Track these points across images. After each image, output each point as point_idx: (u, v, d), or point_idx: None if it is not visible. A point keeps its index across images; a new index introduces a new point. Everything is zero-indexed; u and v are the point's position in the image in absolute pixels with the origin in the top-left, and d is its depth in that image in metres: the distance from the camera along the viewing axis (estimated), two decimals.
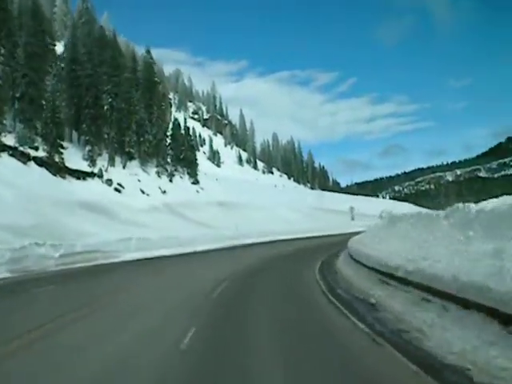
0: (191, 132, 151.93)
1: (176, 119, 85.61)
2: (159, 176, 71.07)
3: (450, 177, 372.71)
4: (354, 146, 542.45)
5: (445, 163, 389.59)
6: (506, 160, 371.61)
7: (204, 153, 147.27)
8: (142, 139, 69.45)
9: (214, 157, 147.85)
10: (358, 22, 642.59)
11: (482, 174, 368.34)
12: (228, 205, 70.93)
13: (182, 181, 76.27)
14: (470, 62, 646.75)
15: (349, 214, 70.31)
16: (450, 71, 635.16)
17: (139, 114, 68.96)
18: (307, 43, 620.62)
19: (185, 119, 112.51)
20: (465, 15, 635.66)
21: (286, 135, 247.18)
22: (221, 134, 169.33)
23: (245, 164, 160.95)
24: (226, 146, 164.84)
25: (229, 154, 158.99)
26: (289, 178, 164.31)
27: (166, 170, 73.68)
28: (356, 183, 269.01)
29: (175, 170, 76.03)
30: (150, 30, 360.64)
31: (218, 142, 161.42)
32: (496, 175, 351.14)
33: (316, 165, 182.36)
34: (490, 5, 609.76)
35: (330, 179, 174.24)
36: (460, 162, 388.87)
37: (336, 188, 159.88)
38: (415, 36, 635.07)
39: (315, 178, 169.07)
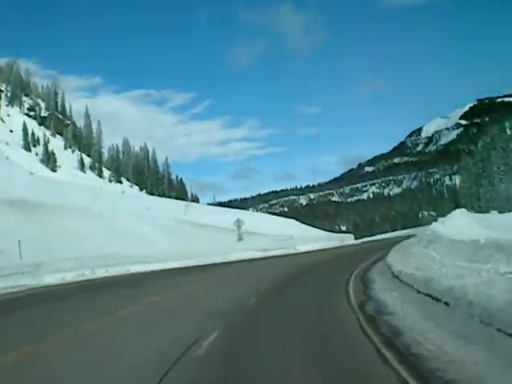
0: (20, 129, 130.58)
1: None
2: None
3: (303, 200, 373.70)
4: (208, 167, 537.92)
5: (298, 187, 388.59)
6: (358, 185, 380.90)
7: (36, 154, 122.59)
8: None
9: (49, 160, 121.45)
10: (213, 43, 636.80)
11: (335, 198, 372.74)
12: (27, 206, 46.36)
13: None
14: (321, 89, 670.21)
15: (235, 231, 48.38)
16: (302, 97, 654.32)
17: None
18: (163, 63, 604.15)
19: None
20: (316, 42, 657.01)
21: None
22: (61, 135, 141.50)
23: (88, 171, 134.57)
24: (65, 148, 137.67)
25: (68, 157, 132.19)
26: (141, 190, 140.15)
27: None
28: (210, 204, 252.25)
29: None
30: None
31: (57, 143, 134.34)
32: (349, 200, 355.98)
33: (173, 177, 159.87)
34: (342, 34, 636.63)
35: (190, 194, 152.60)
36: (314, 186, 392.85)
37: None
38: (268, 60, 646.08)
39: (172, 191, 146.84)
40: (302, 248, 49.33)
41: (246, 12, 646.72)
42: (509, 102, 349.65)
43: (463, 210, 47.75)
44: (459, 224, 31.42)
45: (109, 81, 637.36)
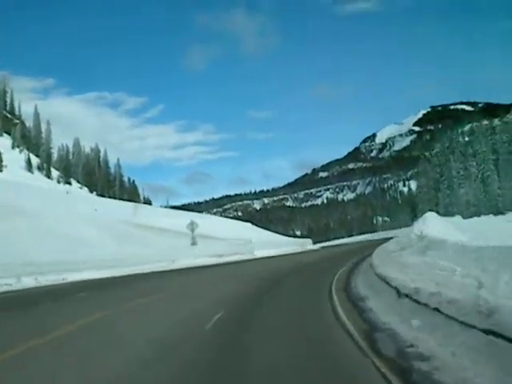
0: None
1: None
2: None
3: (257, 205, 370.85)
4: (162, 171, 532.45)
5: (253, 191, 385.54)
6: (312, 190, 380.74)
7: None
8: None
9: None
10: (167, 47, 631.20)
11: (289, 203, 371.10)
12: None
13: None
14: (273, 94, 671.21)
15: (188, 234, 43.72)
16: (256, 102, 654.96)
17: None
18: (117, 66, 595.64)
19: None
20: (269, 47, 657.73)
21: None
22: (8, 134, 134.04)
23: (36, 171, 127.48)
24: (13, 148, 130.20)
25: (16, 157, 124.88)
26: (91, 191, 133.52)
27: None
28: (165, 207, 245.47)
29: None
30: None
31: (4, 143, 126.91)
32: (303, 205, 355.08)
33: (125, 179, 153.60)
34: (295, 39, 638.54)
35: (142, 197, 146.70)
36: (268, 190, 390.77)
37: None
38: (222, 64, 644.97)
39: (124, 193, 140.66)
40: (261, 253, 45.51)
41: (200, 16, 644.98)
42: (462, 109, 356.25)
43: (433, 213, 44.76)
44: (440, 228, 28.36)
45: (62, 83, 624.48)
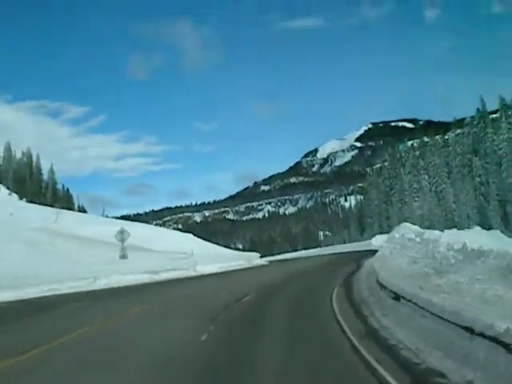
0: None
1: None
2: None
3: (198, 217, 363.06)
4: (102, 182, 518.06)
5: (193, 203, 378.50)
6: (254, 204, 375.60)
7: None
8: None
9: None
10: (111, 56, 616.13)
11: (231, 216, 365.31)
12: None
13: None
14: (218, 106, 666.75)
15: (118, 245, 35.35)
16: (199, 115, 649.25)
17: None
18: (58, 75, 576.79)
19: None
20: (214, 59, 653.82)
21: None
22: None
23: None
24: None
25: None
26: (20, 198, 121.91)
27: None
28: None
29: None
30: None
31: None
32: (244, 218, 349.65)
33: (59, 186, 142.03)
34: (240, 52, 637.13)
35: (76, 206, 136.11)
36: (209, 203, 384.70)
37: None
38: (167, 76, 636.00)
39: (57, 201, 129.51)
40: (205, 269, 37.85)
41: (142, 25, 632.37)
42: (403, 126, 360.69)
43: (407, 224, 38.94)
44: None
45: (1, 90, 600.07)
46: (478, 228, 51.49)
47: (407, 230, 28.82)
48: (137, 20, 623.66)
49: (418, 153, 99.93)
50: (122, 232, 35.68)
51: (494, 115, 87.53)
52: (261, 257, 73.77)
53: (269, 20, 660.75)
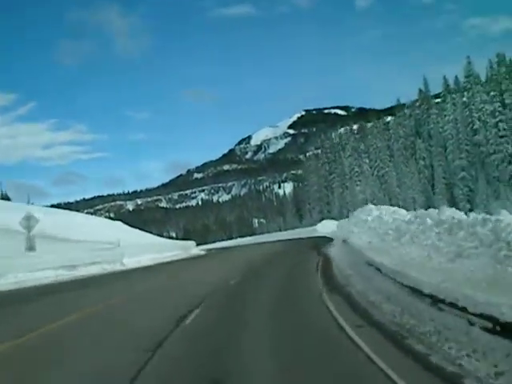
0: None
1: None
2: None
3: (130, 206, 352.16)
4: (32, 170, 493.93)
5: (126, 192, 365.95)
6: (187, 192, 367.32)
7: None
8: None
9: None
10: (39, 42, 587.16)
11: (164, 204, 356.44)
12: None
13: None
14: (150, 95, 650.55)
15: (23, 233, 28.00)
16: (131, 103, 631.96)
17: None
18: None
19: None
20: (146, 47, 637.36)
21: None
22: None
23: None
24: None
25: None
26: None
27: None
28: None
29: None
30: None
31: None
32: (177, 206, 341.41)
33: None
34: (172, 40, 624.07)
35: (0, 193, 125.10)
36: (141, 191, 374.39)
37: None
38: (97, 63, 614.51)
39: None
40: (133, 261, 31.40)
41: (73, 11, 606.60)
42: (335, 113, 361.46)
43: (372, 206, 33.86)
44: None
45: None
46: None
47: (388, 212, 23.35)
48: (67, 5, 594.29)
49: (358, 136, 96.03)
50: (28, 218, 28.33)
51: (436, 100, 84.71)
52: (196, 245, 68.02)
53: (203, 6, 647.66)
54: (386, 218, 19.06)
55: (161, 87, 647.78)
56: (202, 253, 50.93)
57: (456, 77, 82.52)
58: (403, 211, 23.12)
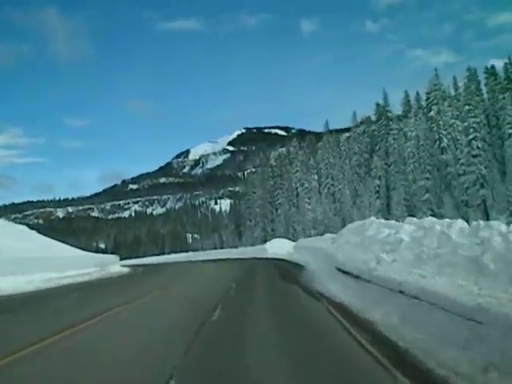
0: None
1: None
2: None
3: (61, 213, 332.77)
4: None
5: (57, 199, 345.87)
6: (121, 202, 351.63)
7: None
8: None
9: None
10: None
11: (95, 213, 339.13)
12: None
13: None
14: (90, 103, 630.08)
15: None
16: (69, 110, 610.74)
17: None
18: None
19: None
20: (89, 54, 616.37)
21: None
22: None
23: None
24: None
25: None
26: None
27: None
28: None
29: None
30: None
31: None
32: (110, 216, 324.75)
33: None
34: (114, 49, 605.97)
35: None
36: (73, 199, 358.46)
37: None
38: (34, 66, 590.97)
39: None
40: (3, 285, 20.10)
41: (11, 12, 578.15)
42: (276, 133, 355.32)
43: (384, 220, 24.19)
44: None
45: None
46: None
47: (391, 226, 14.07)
48: (4, 6, 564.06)
49: (308, 151, 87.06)
50: None
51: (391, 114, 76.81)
52: (122, 259, 56.70)
53: (149, 18, 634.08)
54: (457, 240, 9.35)
55: (101, 96, 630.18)
56: (125, 271, 39.45)
57: (417, 93, 75.34)
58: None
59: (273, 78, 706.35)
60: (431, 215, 60.84)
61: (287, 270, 25.20)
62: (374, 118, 77.66)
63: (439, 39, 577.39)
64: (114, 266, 41.93)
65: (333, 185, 76.14)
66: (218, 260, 49.82)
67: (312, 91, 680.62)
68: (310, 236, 65.37)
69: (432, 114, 61.93)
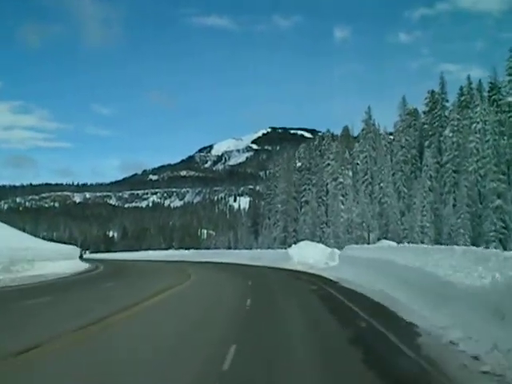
0: None
1: None
2: None
3: (78, 198, 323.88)
4: None
5: (75, 183, 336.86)
6: (139, 192, 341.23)
7: None
8: None
9: None
10: (8, 20, 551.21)
11: (113, 201, 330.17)
12: None
13: None
14: (117, 91, 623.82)
15: None
16: (97, 97, 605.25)
17: None
18: None
19: None
20: (118, 42, 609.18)
21: None
22: None
23: None
24: None
25: None
26: None
27: None
28: None
29: None
30: None
31: None
32: (126, 205, 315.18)
33: None
34: (143, 40, 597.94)
35: None
36: (91, 185, 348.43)
37: None
38: (66, 50, 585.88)
39: None
40: None
41: None
42: (301, 134, 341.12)
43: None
44: None
45: None
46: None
47: None
48: None
49: (343, 142, 73.38)
50: None
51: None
52: (108, 251, 43.54)
53: (183, 13, 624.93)
54: None
55: (127, 85, 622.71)
56: (84, 268, 26.43)
57: (480, 81, 61.01)
58: None
59: (301, 80, 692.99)
60: (502, 227, 47.30)
61: (357, 319, 11.23)
62: (424, 109, 63.70)
63: (470, 55, 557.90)
64: (74, 262, 28.92)
65: (370, 183, 62.49)
66: (218, 264, 36.30)
67: (340, 97, 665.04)
68: (338, 241, 51.98)
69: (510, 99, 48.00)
